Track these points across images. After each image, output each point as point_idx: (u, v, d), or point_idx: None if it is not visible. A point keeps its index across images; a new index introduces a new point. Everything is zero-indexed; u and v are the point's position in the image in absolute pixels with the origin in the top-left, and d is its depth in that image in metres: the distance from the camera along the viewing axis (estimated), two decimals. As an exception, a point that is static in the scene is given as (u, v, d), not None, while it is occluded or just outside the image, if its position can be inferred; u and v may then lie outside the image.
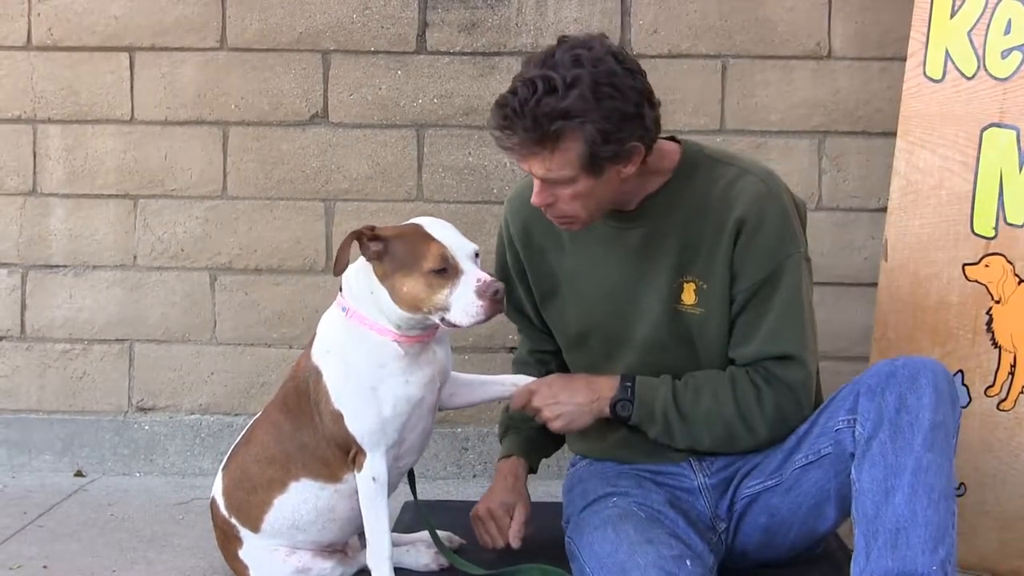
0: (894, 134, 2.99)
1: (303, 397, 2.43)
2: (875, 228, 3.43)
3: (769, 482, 2.40)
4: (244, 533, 2.52)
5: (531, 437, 2.67)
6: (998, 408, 2.77)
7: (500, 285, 2.25)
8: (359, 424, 2.35)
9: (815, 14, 3.54)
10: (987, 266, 2.79)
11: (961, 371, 2.79)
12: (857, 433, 2.23)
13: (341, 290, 2.41)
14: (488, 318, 2.26)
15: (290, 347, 3.60)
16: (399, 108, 3.59)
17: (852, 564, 2.16)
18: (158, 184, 3.63)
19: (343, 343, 2.38)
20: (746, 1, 3.54)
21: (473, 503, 2.65)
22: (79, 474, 3.62)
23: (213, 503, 2.59)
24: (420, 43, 3.58)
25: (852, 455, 2.24)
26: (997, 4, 2.82)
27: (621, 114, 2.25)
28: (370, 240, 2.32)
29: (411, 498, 2.64)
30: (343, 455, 2.39)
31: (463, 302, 2.24)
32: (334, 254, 2.83)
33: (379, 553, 2.38)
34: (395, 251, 2.30)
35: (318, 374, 2.39)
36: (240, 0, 3.58)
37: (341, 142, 3.60)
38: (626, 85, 2.26)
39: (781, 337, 2.38)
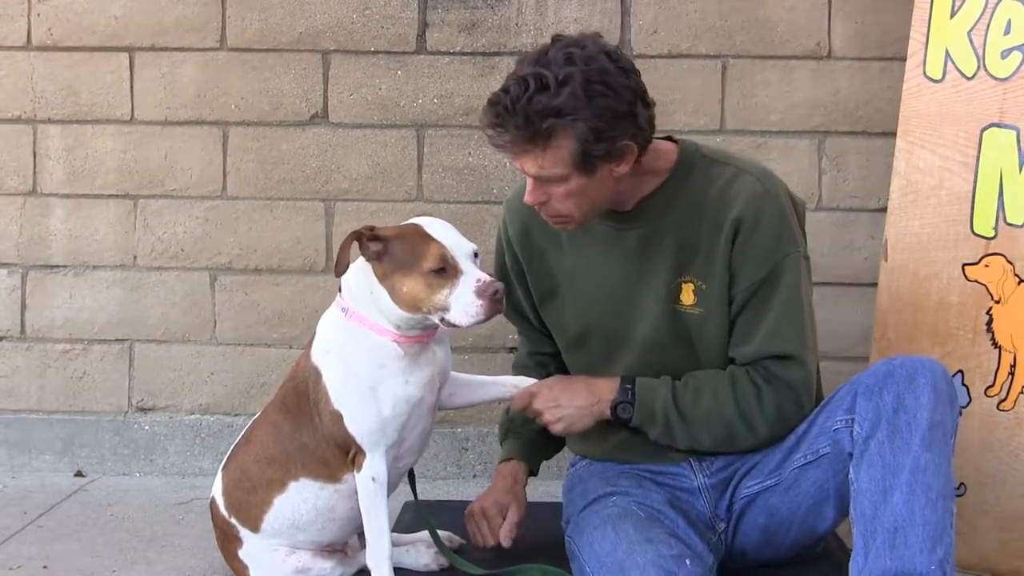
0: (894, 134, 2.99)
1: (303, 397, 2.43)
2: (875, 228, 3.43)
3: (768, 482, 2.40)
4: (244, 533, 2.52)
5: (531, 440, 2.67)
6: (998, 408, 2.77)
7: (500, 285, 2.25)
8: (359, 424, 2.35)
9: (815, 14, 3.54)
10: (987, 266, 2.79)
11: (961, 371, 2.79)
12: (855, 433, 2.23)
13: (340, 290, 2.41)
14: (488, 318, 2.26)
15: (290, 347, 3.60)
16: (399, 108, 3.59)
17: (851, 564, 2.16)
18: (158, 184, 3.63)
19: (343, 343, 2.38)
20: (746, 1, 3.54)
21: (473, 503, 2.65)
22: (79, 474, 3.62)
23: (213, 503, 2.59)
24: (420, 43, 3.58)
25: (850, 455, 2.24)
26: (997, 4, 2.82)
27: (613, 112, 2.25)
28: (370, 240, 2.32)
29: (411, 498, 2.64)
30: (343, 455, 2.39)
31: (463, 302, 2.24)
32: (334, 254, 2.83)
33: (379, 553, 2.38)
34: (395, 251, 2.30)
35: (318, 374, 2.39)
36: (240, 0, 3.58)
37: (341, 142, 3.60)
38: (619, 84, 2.26)
39: (781, 336, 2.38)
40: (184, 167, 3.62)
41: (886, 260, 2.93)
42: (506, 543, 2.53)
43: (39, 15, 3.61)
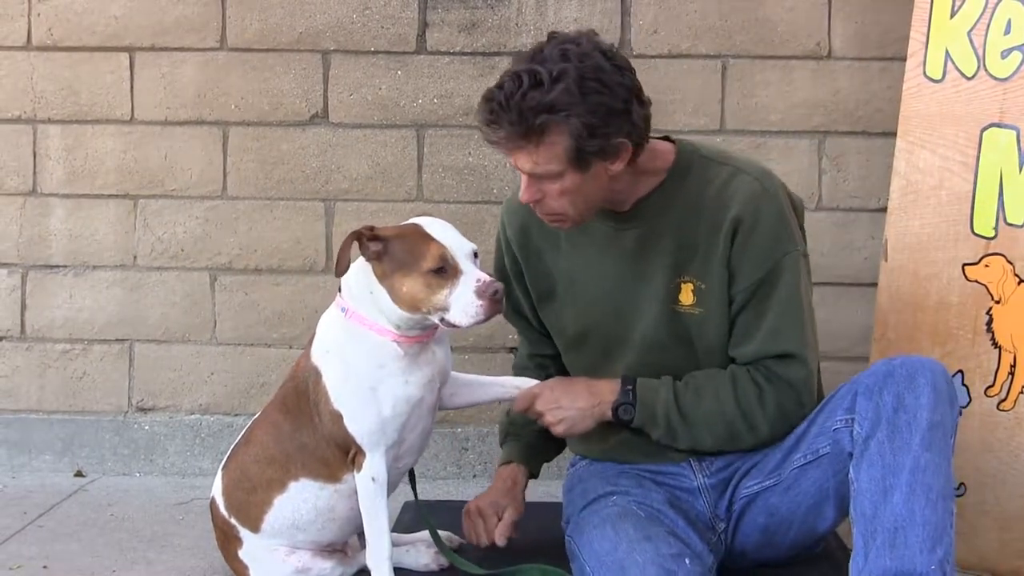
0: (894, 134, 2.99)
1: (303, 397, 2.43)
2: (875, 228, 3.43)
3: (768, 482, 2.40)
4: (244, 533, 2.52)
5: (531, 443, 2.66)
6: (998, 408, 2.77)
7: (499, 285, 2.25)
8: (358, 424, 2.35)
9: (815, 14, 3.54)
10: (987, 266, 2.79)
11: (961, 371, 2.79)
12: (855, 433, 2.23)
13: (340, 290, 2.41)
14: (487, 318, 2.26)
15: (290, 347, 3.60)
16: (399, 108, 3.59)
17: (850, 563, 2.16)
18: (158, 184, 3.63)
19: (342, 343, 2.38)
20: (746, 1, 3.54)
21: (474, 503, 2.65)
22: (79, 474, 3.62)
23: (213, 503, 2.59)
24: (420, 43, 3.58)
25: (850, 455, 2.23)
26: (997, 4, 2.82)
27: (607, 109, 2.25)
28: (370, 240, 2.32)
29: (411, 498, 2.64)
30: (343, 455, 2.39)
31: (462, 302, 2.24)
32: (334, 254, 2.83)
33: (379, 553, 2.38)
34: (394, 251, 2.30)
35: (317, 374, 2.39)
36: (240, 0, 3.58)
37: (341, 142, 3.60)
38: (613, 81, 2.26)
39: (781, 336, 2.38)
40: (184, 167, 3.62)
41: (886, 260, 2.93)
42: (500, 542, 2.53)
43: (39, 15, 3.61)
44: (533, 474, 2.69)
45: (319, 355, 2.41)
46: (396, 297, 2.30)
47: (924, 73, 2.91)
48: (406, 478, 2.56)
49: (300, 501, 2.45)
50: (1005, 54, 2.80)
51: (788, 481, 2.37)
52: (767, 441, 2.40)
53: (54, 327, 3.66)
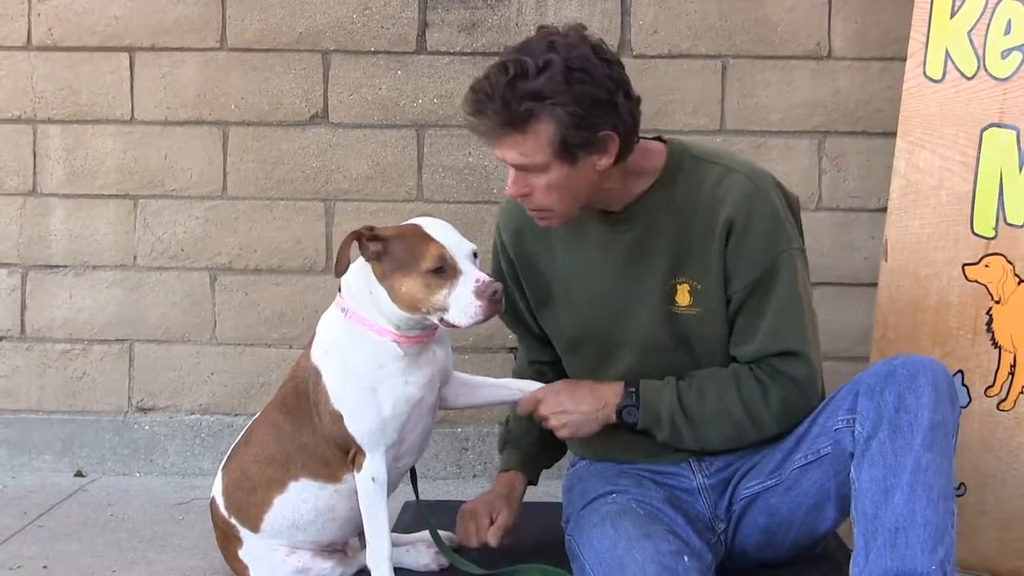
0: (894, 134, 2.99)
1: (302, 397, 2.43)
2: (875, 228, 3.43)
3: (768, 482, 2.40)
4: (244, 533, 2.52)
5: (530, 452, 2.66)
6: (998, 408, 2.77)
7: (498, 286, 2.25)
8: (358, 424, 2.35)
9: (815, 14, 3.54)
10: (987, 266, 2.79)
11: (961, 371, 2.79)
12: (856, 433, 2.23)
13: (340, 290, 2.41)
14: (487, 318, 2.26)
15: (290, 347, 3.60)
16: (399, 108, 3.59)
17: (851, 564, 2.16)
18: (158, 184, 3.63)
19: (342, 343, 2.38)
20: (746, 1, 3.54)
21: (474, 503, 2.65)
22: (79, 474, 3.62)
23: (213, 503, 2.59)
24: (420, 43, 3.58)
25: (851, 455, 2.23)
26: (997, 4, 2.82)
27: (592, 99, 2.24)
28: (369, 240, 2.32)
29: (411, 498, 2.64)
30: (343, 455, 2.39)
31: (462, 302, 2.24)
32: (334, 254, 2.83)
33: (379, 553, 2.38)
34: (394, 251, 2.30)
35: (317, 374, 2.39)
36: (240, 0, 3.58)
37: (341, 142, 3.60)
38: (600, 72, 2.26)
39: (782, 334, 2.38)
40: (184, 167, 3.62)
41: (886, 260, 2.93)
42: (493, 542, 2.53)
43: (39, 15, 3.61)
44: (532, 481, 2.69)
45: (319, 355, 2.41)
46: (395, 297, 2.30)
47: (924, 73, 2.91)
48: (406, 478, 2.56)
49: (300, 501, 2.45)
50: (1005, 54, 2.80)
51: (789, 481, 2.37)
52: (774, 437, 2.40)
53: (54, 327, 3.66)
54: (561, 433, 2.47)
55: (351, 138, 3.60)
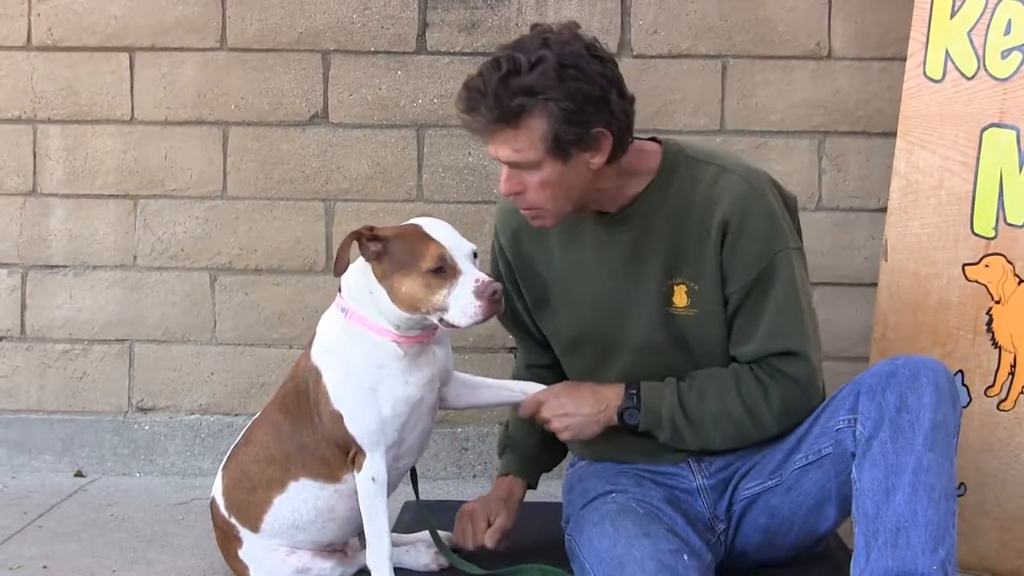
0: (894, 134, 2.99)
1: (302, 397, 2.43)
2: (875, 228, 3.43)
3: (769, 482, 2.40)
4: (244, 533, 2.52)
5: (529, 456, 2.66)
6: (998, 408, 2.77)
7: (498, 286, 2.25)
8: (358, 424, 2.35)
9: (815, 14, 3.54)
10: (987, 266, 2.79)
11: (961, 371, 2.79)
12: (858, 432, 2.23)
13: (340, 290, 2.41)
14: (486, 318, 2.26)
15: (290, 347, 3.60)
16: (399, 108, 3.59)
17: (852, 564, 2.16)
18: (158, 184, 3.63)
19: (342, 343, 2.38)
20: (746, 1, 3.54)
21: (474, 504, 2.65)
22: (79, 474, 3.62)
23: (213, 503, 2.59)
24: (420, 43, 3.58)
25: (853, 455, 2.23)
26: (997, 4, 2.82)
27: (585, 95, 2.24)
28: (369, 240, 2.32)
29: (411, 498, 2.64)
30: (343, 455, 2.39)
31: (461, 302, 2.24)
32: (334, 254, 2.83)
33: (379, 553, 2.38)
34: (394, 251, 2.30)
35: (317, 374, 2.39)
36: (240, 0, 3.58)
37: (341, 142, 3.60)
38: (593, 69, 2.26)
39: (781, 334, 2.37)
40: (184, 167, 3.62)
41: (886, 260, 2.93)
42: (489, 544, 2.53)
43: (39, 15, 3.61)
44: (531, 485, 2.68)
45: (319, 355, 2.41)
46: (395, 297, 2.30)
47: (924, 73, 2.91)
48: (406, 478, 2.56)
49: (300, 501, 2.45)
50: (1005, 54, 2.80)
51: (789, 482, 2.37)
52: (775, 435, 2.40)
53: (54, 327, 3.66)
54: (563, 436, 2.47)
55: (351, 138, 3.60)
